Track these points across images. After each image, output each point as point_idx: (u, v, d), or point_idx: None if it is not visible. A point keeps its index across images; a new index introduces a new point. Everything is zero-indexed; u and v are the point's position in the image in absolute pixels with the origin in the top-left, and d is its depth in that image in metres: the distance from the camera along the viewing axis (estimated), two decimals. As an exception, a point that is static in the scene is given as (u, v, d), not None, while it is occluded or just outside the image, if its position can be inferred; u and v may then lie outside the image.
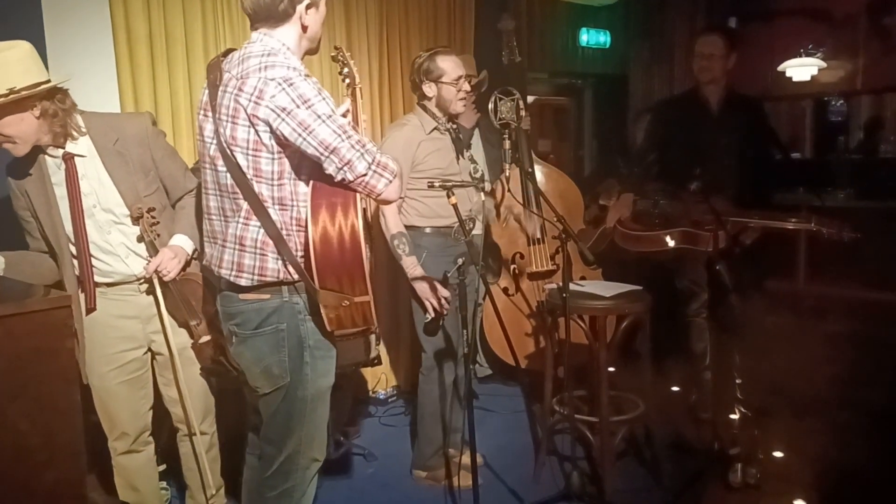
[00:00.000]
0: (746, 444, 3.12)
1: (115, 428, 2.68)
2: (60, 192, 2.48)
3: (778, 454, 3.22)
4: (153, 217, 2.54)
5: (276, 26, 2.02)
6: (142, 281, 2.61)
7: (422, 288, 3.03)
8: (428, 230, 3.16)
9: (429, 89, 3.13)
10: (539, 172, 4.11)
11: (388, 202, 2.07)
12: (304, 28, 2.05)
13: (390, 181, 1.96)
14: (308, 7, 2.02)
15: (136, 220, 2.53)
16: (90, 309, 2.55)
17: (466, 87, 3.16)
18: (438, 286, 3.01)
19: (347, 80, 2.19)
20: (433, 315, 3.04)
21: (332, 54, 2.26)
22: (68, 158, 2.46)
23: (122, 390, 2.65)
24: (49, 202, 2.47)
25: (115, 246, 2.55)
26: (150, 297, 2.61)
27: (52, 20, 3.10)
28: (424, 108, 3.17)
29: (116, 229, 2.54)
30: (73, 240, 2.50)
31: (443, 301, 3.01)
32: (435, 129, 3.16)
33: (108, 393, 2.63)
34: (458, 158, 3.22)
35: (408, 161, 3.06)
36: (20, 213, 2.56)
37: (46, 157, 2.46)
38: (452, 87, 3.08)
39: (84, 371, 2.57)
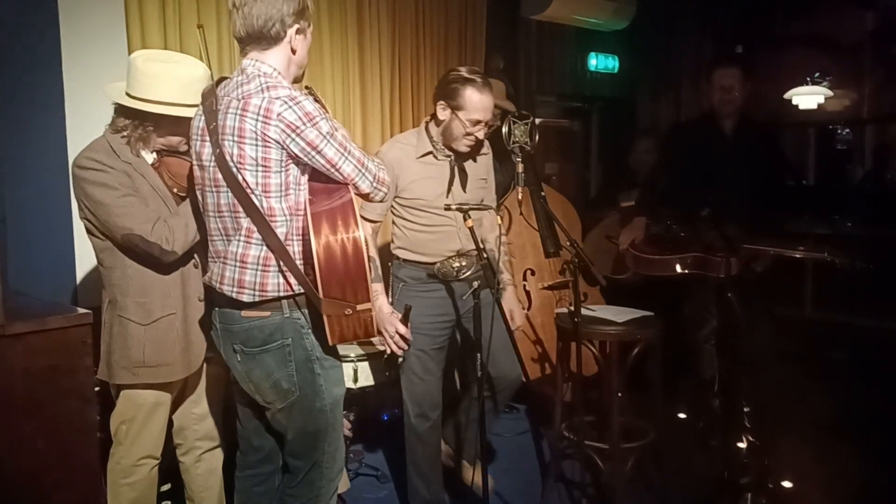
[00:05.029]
0: (756, 473, 3.10)
1: (147, 448, 2.46)
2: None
3: (787, 484, 3.19)
4: None
5: (267, 49, 2.07)
6: None
7: (381, 318, 2.68)
8: (405, 262, 2.96)
9: (442, 112, 2.80)
10: None
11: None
12: (294, 51, 2.10)
13: (386, 193, 2.18)
14: (298, 31, 2.08)
15: None
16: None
17: (480, 135, 2.84)
18: (395, 321, 2.69)
19: None
20: (384, 348, 2.81)
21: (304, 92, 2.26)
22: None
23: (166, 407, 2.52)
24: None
25: None
26: None
27: (70, 54, 3.10)
28: (427, 130, 2.90)
29: None
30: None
31: (397, 338, 2.69)
32: (430, 153, 2.88)
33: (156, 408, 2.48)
34: (449, 191, 2.89)
35: (392, 184, 2.74)
36: (124, 200, 2.32)
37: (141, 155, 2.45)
38: (462, 126, 2.77)
39: None
